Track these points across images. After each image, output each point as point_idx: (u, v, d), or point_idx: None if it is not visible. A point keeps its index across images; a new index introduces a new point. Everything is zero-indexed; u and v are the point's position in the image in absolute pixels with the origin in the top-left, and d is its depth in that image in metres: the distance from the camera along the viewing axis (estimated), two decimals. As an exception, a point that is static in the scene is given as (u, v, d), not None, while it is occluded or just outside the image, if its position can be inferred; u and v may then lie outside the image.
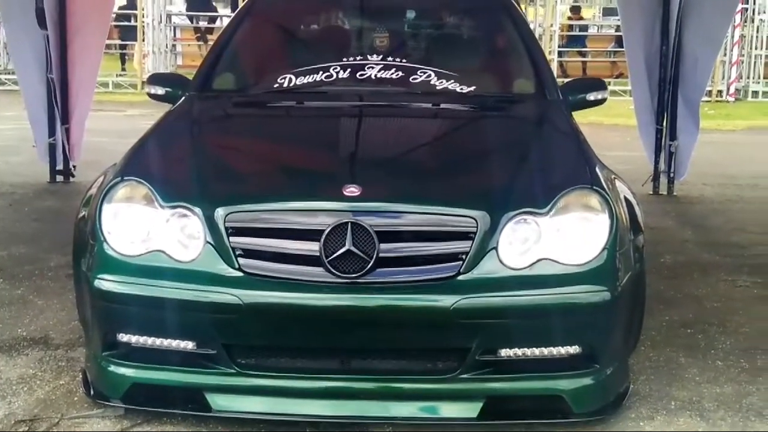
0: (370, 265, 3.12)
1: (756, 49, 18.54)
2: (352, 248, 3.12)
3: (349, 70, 4.40)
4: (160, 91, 4.53)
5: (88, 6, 7.53)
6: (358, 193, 3.22)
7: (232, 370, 3.22)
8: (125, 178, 3.43)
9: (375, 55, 4.54)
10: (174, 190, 3.35)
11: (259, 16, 4.98)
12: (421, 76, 4.36)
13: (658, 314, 4.49)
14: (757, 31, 18.34)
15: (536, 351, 3.23)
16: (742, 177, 8.76)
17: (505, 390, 3.27)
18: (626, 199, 3.63)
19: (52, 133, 7.71)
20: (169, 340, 3.25)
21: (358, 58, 4.54)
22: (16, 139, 9.90)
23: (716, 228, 6.74)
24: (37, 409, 3.40)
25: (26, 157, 8.61)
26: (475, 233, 3.17)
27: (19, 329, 4.25)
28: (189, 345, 3.24)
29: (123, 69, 19.30)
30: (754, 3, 18.23)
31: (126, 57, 19.86)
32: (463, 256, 3.17)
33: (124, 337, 3.28)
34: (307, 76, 4.36)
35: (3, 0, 7.55)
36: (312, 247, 3.14)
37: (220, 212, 3.20)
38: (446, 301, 3.12)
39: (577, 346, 3.26)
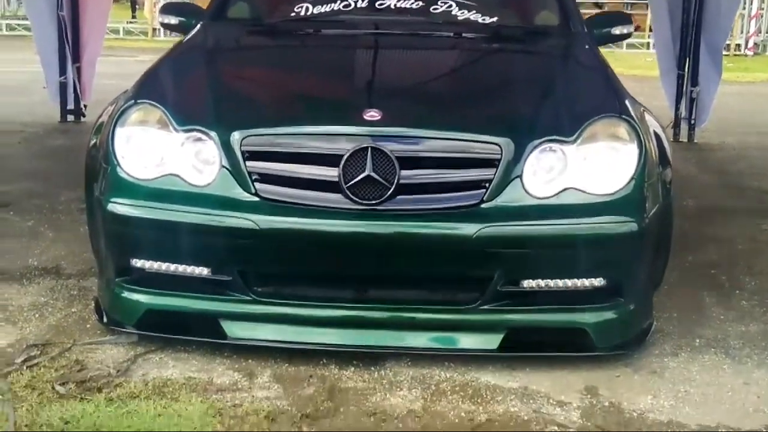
0: (390, 191, 3.03)
1: (776, 3, 18.27)
2: (372, 174, 3.02)
3: (367, 0, 4.27)
4: (173, 20, 4.42)
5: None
6: (379, 117, 3.12)
7: (248, 298, 3.14)
8: (139, 101, 3.33)
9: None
10: (189, 114, 3.25)
11: None
12: (441, 6, 4.22)
13: (681, 255, 4.37)
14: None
15: (559, 283, 3.14)
16: (764, 126, 8.63)
17: (526, 322, 3.19)
18: (655, 133, 3.52)
19: (63, 72, 7.60)
20: (183, 266, 3.16)
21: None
22: (27, 81, 9.82)
23: (738, 173, 6.62)
24: (49, 334, 3.33)
25: (37, 98, 8.52)
26: (499, 161, 3.07)
27: (30, 259, 4.18)
28: (204, 271, 3.17)
29: (133, 16, 19.14)
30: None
31: (137, 5, 19.69)
32: (487, 185, 3.07)
33: (137, 263, 3.21)
34: (324, 5, 4.22)
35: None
36: (331, 173, 3.05)
37: (236, 136, 3.10)
38: (469, 228, 3.03)
39: (601, 279, 3.16)
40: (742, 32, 18.00)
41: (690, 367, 3.25)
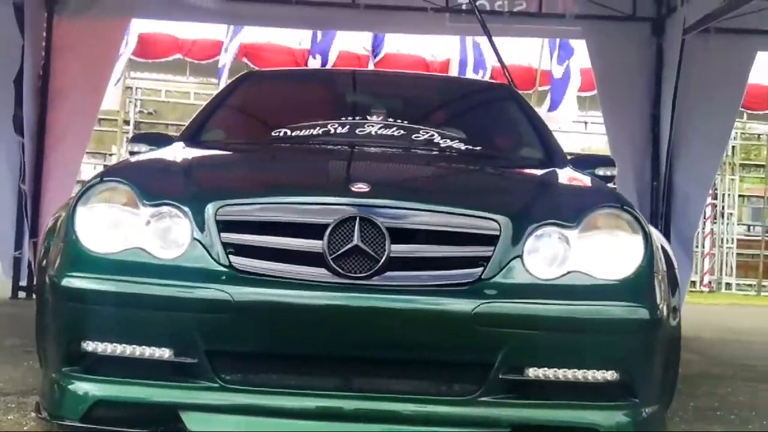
0: (380, 265, 2.74)
1: (727, 242, 18.71)
2: (360, 244, 2.74)
3: (347, 126, 4.13)
4: (143, 148, 4.21)
5: (70, 116, 7.33)
6: (367, 189, 2.88)
7: (215, 385, 2.74)
8: (105, 179, 3.06)
9: (375, 117, 4.29)
10: (158, 189, 2.98)
11: (249, 89, 4.73)
12: (423, 135, 4.08)
13: (683, 401, 4.04)
14: (727, 227, 18.54)
15: (568, 373, 2.80)
16: (737, 329, 8.49)
17: (533, 418, 2.80)
18: (663, 248, 3.29)
19: (18, 246, 7.30)
20: (142, 348, 2.77)
21: (357, 118, 4.28)
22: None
23: (720, 354, 6.42)
24: (-23, 433, 2.88)
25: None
26: (498, 237, 2.82)
27: (-35, 382, 3.74)
28: (165, 353, 2.77)
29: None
30: (723, 200, 18.57)
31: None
32: (484, 263, 2.80)
33: (89, 346, 2.80)
34: (303, 131, 4.06)
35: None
36: (314, 244, 2.76)
37: (210, 206, 2.81)
38: (466, 305, 2.73)
39: (613, 372, 2.82)
40: (696, 271, 18.28)
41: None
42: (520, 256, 2.83)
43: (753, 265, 18.62)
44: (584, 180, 3.63)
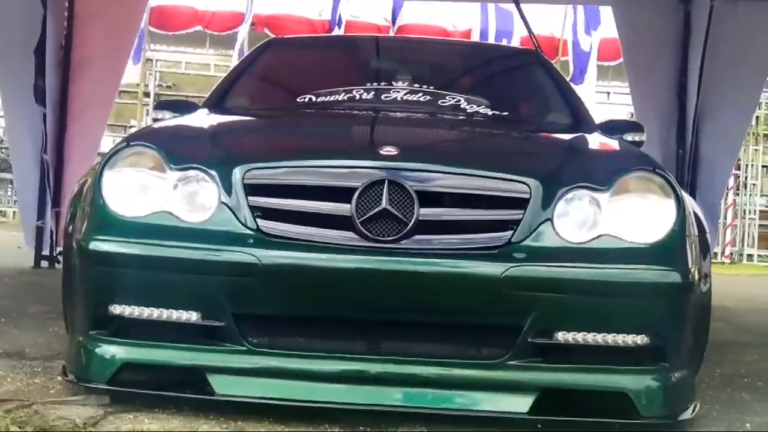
0: (408, 228, 2.72)
1: (750, 214, 18.56)
2: (389, 207, 2.72)
3: (372, 92, 4.09)
4: (167, 116, 4.19)
5: (92, 86, 7.30)
6: (396, 153, 2.86)
7: (242, 348, 2.74)
8: (132, 143, 3.05)
9: (400, 83, 4.24)
10: (185, 153, 2.97)
11: (273, 56, 4.69)
12: (450, 101, 4.04)
13: (710, 369, 3.99)
14: (750, 198, 18.38)
15: (598, 337, 2.77)
16: (761, 299, 8.42)
17: (562, 382, 2.79)
18: (694, 213, 3.25)
19: (41, 216, 7.30)
20: (169, 311, 2.77)
21: (382, 84, 4.24)
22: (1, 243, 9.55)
23: (746, 322, 6.36)
24: (6, 396, 2.88)
25: (10, 256, 8.17)
26: (528, 200, 2.79)
27: (-9, 346, 3.75)
28: (192, 316, 2.77)
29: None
30: (746, 171, 18.39)
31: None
32: (514, 226, 2.77)
33: (117, 309, 2.81)
34: (328, 97, 4.03)
35: (3, 74, 7.31)
36: (342, 208, 2.74)
37: (237, 170, 2.81)
38: (495, 268, 2.70)
39: (644, 336, 2.80)
40: (718, 242, 18.15)
41: (745, 448, 2.84)
42: (550, 220, 2.80)
43: (775, 237, 18.48)
44: (614, 144, 3.58)
